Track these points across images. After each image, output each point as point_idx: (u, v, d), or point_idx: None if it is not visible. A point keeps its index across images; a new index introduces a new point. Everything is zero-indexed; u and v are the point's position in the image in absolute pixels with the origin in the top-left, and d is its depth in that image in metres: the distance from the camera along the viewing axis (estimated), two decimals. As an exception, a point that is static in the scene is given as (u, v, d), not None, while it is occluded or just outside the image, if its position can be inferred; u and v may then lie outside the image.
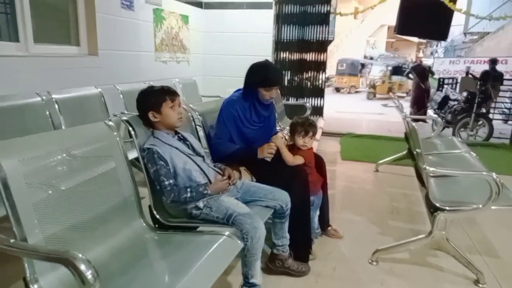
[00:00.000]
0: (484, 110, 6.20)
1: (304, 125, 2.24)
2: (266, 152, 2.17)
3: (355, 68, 15.36)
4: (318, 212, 2.38)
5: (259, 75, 2.20)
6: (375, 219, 2.87)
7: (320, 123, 4.43)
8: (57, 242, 1.31)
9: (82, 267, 0.98)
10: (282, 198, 1.92)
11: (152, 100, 1.75)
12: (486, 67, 7.51)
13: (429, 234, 2.11)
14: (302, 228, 2.11)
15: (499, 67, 8.30)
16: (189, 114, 2.26)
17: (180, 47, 4.80)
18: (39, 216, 1.27)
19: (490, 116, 6.32)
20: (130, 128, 1.76)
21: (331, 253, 2.33)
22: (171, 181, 1.68)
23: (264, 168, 2.20)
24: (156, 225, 1.76)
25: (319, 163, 2.41)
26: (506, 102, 7.35)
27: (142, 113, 1.79)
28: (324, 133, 5.15)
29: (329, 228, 2.53)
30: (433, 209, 2.09)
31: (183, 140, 1.87)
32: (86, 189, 1.49)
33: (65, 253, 1.03)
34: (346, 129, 6.18)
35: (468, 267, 2.07)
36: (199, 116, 2.34)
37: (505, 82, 7.13)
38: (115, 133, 1.70)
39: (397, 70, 14.20)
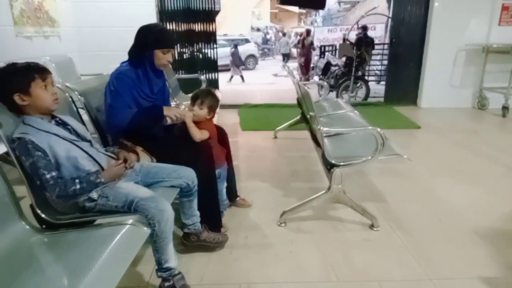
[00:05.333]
0: (361, 73, 6.87)
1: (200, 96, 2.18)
2: (175, 112, 2.04)
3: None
4: (225, 184, 2.35)
5: (154, 35, 2.00)
6: (278, 183, 2.97)
7: (218, 95, 4.35)
8: None
9: None
10: (187, 175, 1.82)
11: (17, 80, 1.45)
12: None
13: (328, 189, 2.25)
14: (211, 203, 2.05)
15: (370, 33, 9.28)
16: (67, 94, 1.96)
17: (46, 20, 4.15)
18: None
19: (366, 78, 7.04)
20: (-9, 116, 1.44)
21: (242, 222, 2.35)
22: (53, 173, 1.44)
23: (164, 146, 2.06)
24: (44, 226, 1.52)
25: (221, 135, 2.35)
26: (377, 65, 8.26)
27: (5, 97, 1.47)
28: (222, 106, 5.10)
29: (237, 198, 2.53)
30: (329, 166, 2.23)
31: (63, 124, 1.60)
32: None
33: None
34: (242, 101, 6.23)
35: (363, 215, 2.28)
36: (79, 97, 2.05)
37: (376, 47, 7.98)
38: (-31, 124, 1.37)
39: None
